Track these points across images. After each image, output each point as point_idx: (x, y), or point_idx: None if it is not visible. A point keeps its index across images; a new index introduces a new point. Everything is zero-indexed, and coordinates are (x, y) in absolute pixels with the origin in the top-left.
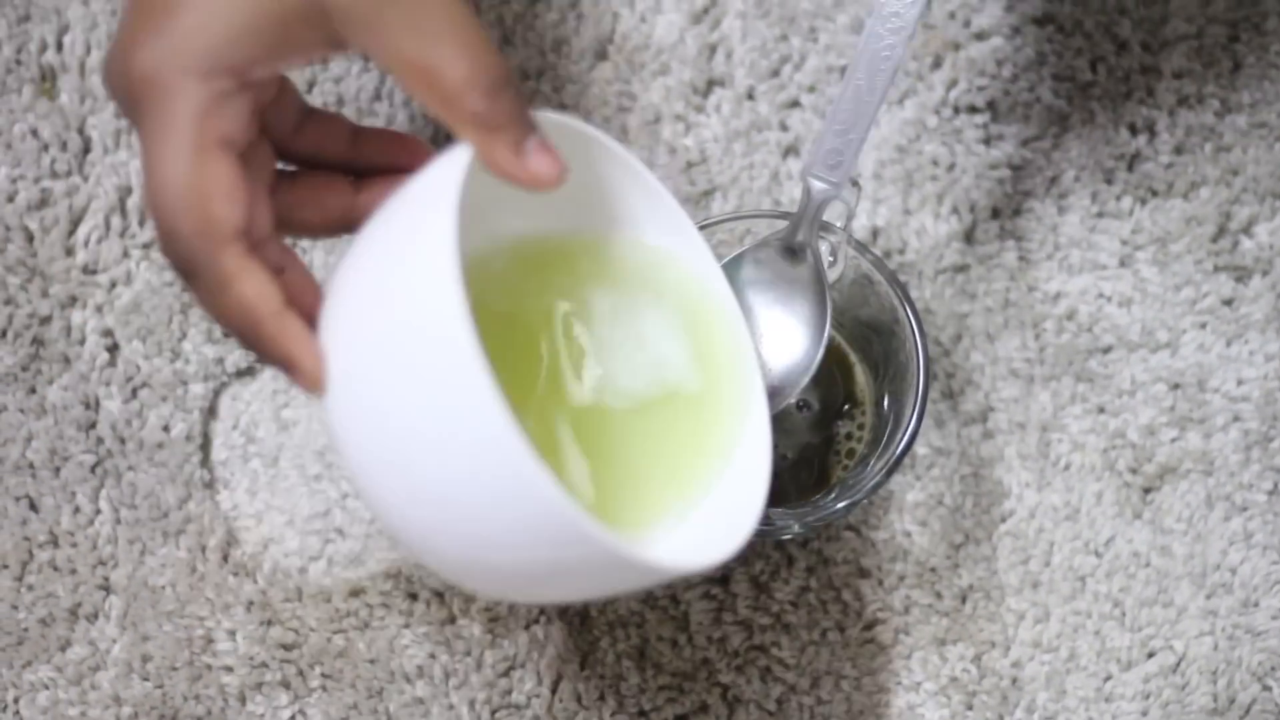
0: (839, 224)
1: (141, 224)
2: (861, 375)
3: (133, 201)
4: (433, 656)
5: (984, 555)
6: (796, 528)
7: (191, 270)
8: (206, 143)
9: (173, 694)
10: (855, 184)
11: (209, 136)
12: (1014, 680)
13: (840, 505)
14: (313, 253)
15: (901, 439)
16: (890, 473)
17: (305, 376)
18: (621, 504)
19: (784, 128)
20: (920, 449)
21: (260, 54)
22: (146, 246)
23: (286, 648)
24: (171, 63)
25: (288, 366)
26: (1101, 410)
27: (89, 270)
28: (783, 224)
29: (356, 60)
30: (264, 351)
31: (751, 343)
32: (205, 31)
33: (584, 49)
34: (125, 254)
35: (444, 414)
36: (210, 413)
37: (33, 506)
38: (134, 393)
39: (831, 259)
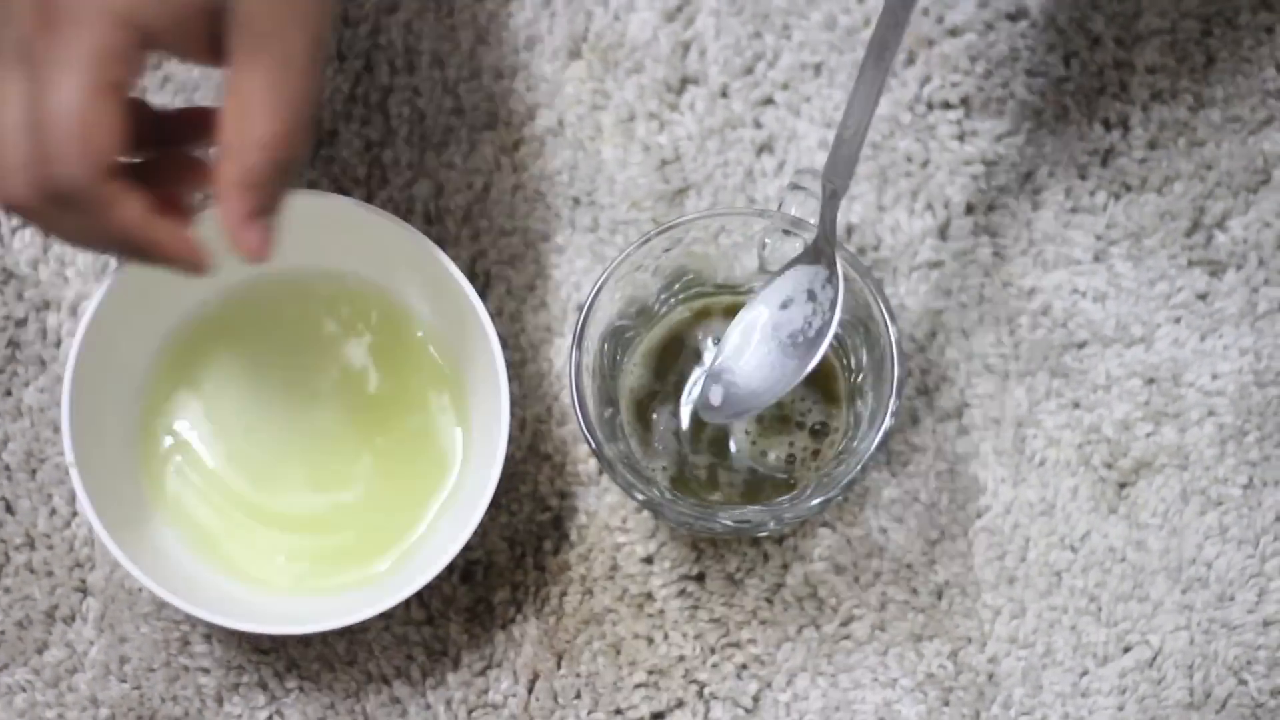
0: (813, 220)
1: None
2: (837, 372)
3: None
4: (410, 657)
5: (960, 551)
6: (772, 524)
7: (69, 198)
8: (107, 82)
9: (150, 695)
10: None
11: (110, 77)
12: (990, 676)
13: (815, 502)
14: None
15: (875, 435)
16: (864, 469)
17: (190, 263)
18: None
19: (758, 125)
20: (896, 445)
21: (170, 25)
22: None
23: (263, 651)
24: (95, 1)
25: (174, 260)
26: (1076, 405)
27: (63, 273)
28: (757, 220)
29: (330, 61)
30: (151, 254)
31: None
32: None
33: (557, 47)
34: (99, 255)
35: None
36: None
37: (9, 509)
38: None
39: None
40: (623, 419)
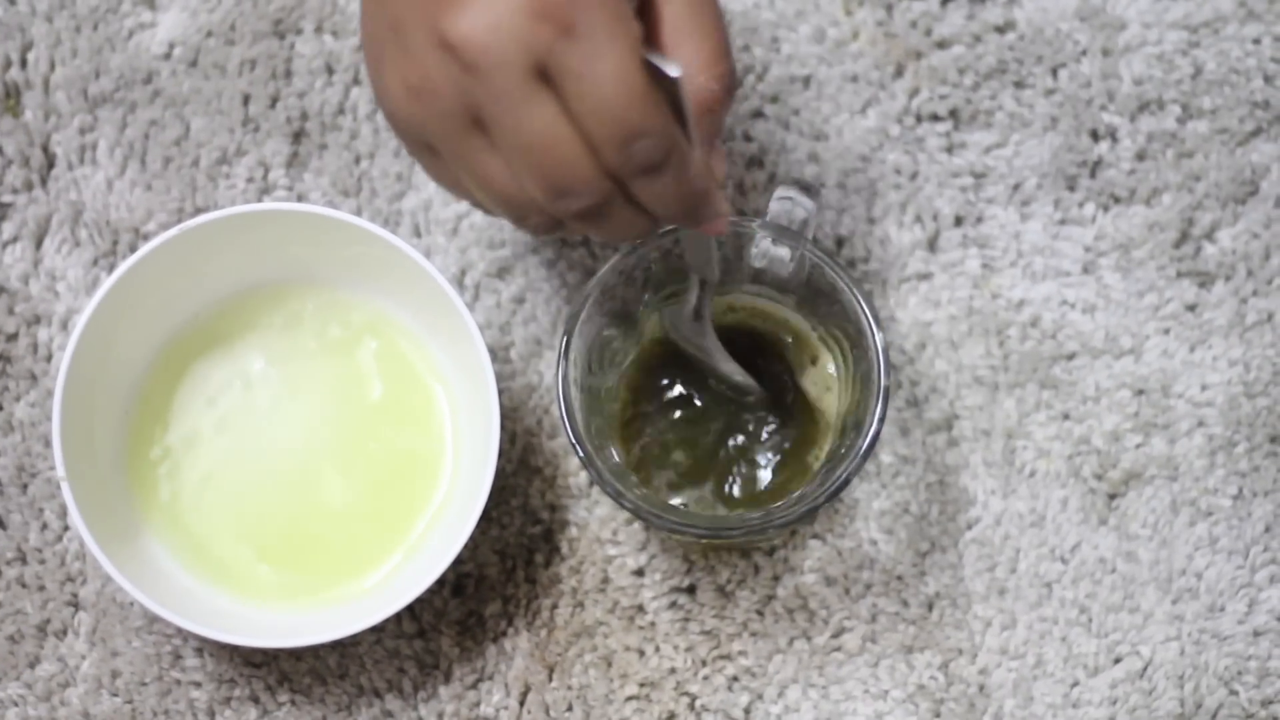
0: (799, 230)
1: (106, 239)
2: (829, 382)
3: (92, 217)
4: (401, 670)
5: (950, 563)
6: (760, 533)
7: (661, 162)
8: (636, 45)
9: (142, 709)
10: (815, 191)
11: (634, 38)
12: (981, 687)
13: (803, 510)
14: None
15: (862, 445)
16: (850, 478)
17: (725, 216)
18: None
19: (748, 138)
20: (885, 457)
21: None
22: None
23: (255, 664)
24: None
25: (718, 212)
26: (1066, 417)
27: (54, 288)
28: (743, 230)
29: (320, 74)
30: (707, 207)
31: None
32: None
33: None
34: (90, 269)
35: None
36: None
37: (1, 524)
38: None
39: (792, 264)
40: (613, 429)
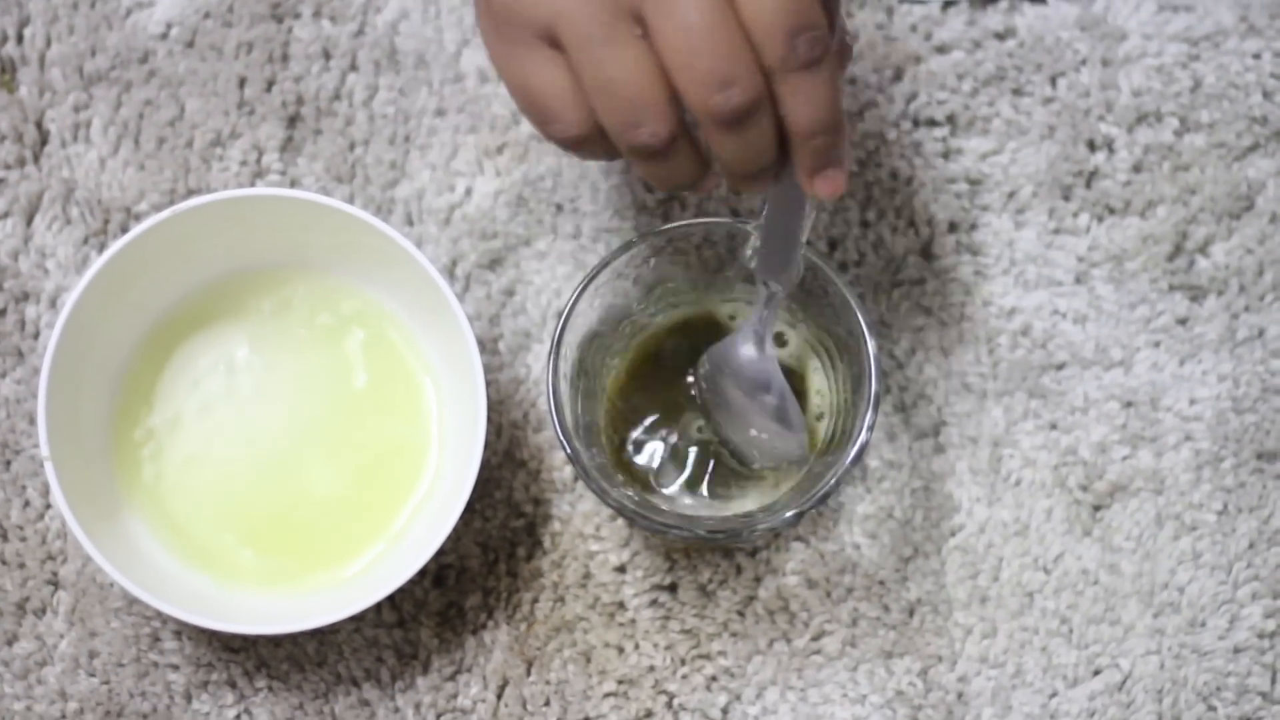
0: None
1: (97, 218)
2: (818, 385)
3: (84, 195)
4: (380, 660)
5: (933, 569)
6: (745, 535)
7: (753, 107)
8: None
9: (119, 690)
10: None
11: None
12: (960, 695)
13: (789, 514)
14: None
15: (851, 450)
16: (839, 483)
17: (842, 176)
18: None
19: None
20: (872, 461)
21: None
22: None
23: (233, 649)
24: None
25: (840, 164)
26: (1053, 427)
27: (43, 265)
28: (739, 230)
29: (317, 59)
30: (774, 169)
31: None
32: None
33: None
34: (80, 247)
35: None
36: None
37: None
38: None
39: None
40: (600, 426)
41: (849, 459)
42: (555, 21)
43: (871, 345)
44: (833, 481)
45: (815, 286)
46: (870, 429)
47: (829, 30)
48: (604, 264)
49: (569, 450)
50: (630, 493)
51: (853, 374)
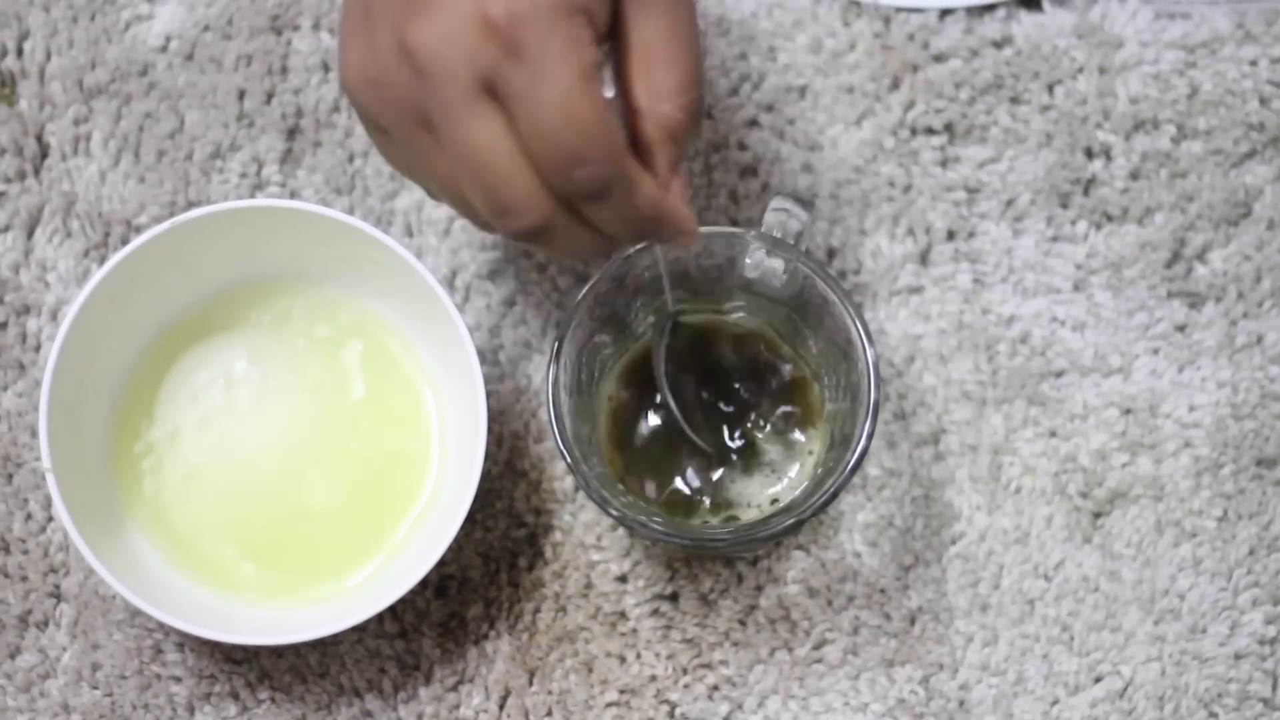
0: (793, 241)
1: (97, 230)
2: (817, 394)
3: (85, 208)
4: (382, 671)
5: (933, 577)
6: (745, 544)
7: (602, 189)
8: (588, 71)
9: (122, 703)
10: (810, 203)
11: (587, 65)
12: (961, 703)
13: (788, 522)
14: None
15: (851, 458)
16: (838, 492)
17: (691, 233)
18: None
19: (742, 147)
20: (871, 470)
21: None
22: (101, 251)
23: (236, 661)
24: (542, 3)
25: (681, 228)
26: (1053, 434)
27: (44, 278)
28: (737, 239)
29: (316, 71)
30: (663, 229)
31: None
32: None
33: None
34: (81, 260)
35: None
36: None
37: None
38: None
39: (785, 275)
40: (600, 436)
41: (849, 466)
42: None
43: (870, 353)
44: (833, 489)
45: (814, 296)
46: (870, 436)
47: (617, 154)
48: (603, 273)
49: (570, 461)
50: (630, 502)
51: (851, 381)
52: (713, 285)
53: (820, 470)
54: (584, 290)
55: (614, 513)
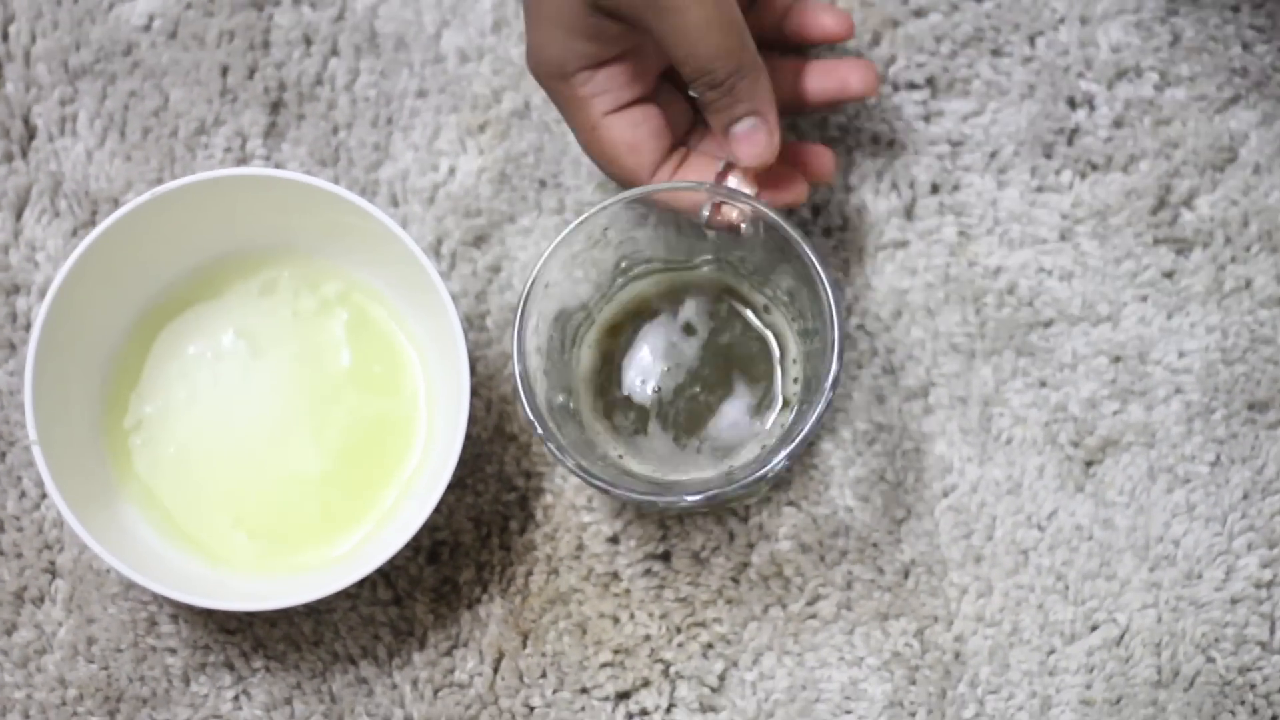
0: (748, 190)
1: (85, 209)
2: (791, 340)
3: (72, 187)
4: (376, 637)
5: (926, 530)
6: (730, 492)
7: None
8: (595, 119)
9: (118, 675)
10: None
11: (597, 113)
12: (957, 654)
13: (761, 472)
14: None
15: (821, 402)
16: (809, 437)
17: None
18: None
19: None
20: (861, 424)
21: (591, 53)
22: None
23: (230, 631)
24: (541, 70)
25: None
26: (1043, 384)
27: (33, 258)
28: (694, 194)
29: (298, 45)
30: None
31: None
32: (547, 49)
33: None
34: (70, 239)
35: None
36: None
37: None
38: None
39: (749, 227)
40: (580, 402)
41: (819, 410)
42: None
43: (829, 291)
44: (803, 434)
45: (778, 241)
46: (836, 375)
47: (634, 181)
48: (563, 237)
49: (541, 430)
50: (613, 452)
51: (819, 324)
52: (684, 242)
53: (795, 416)
54: (543, 254)
55: (597, 481)
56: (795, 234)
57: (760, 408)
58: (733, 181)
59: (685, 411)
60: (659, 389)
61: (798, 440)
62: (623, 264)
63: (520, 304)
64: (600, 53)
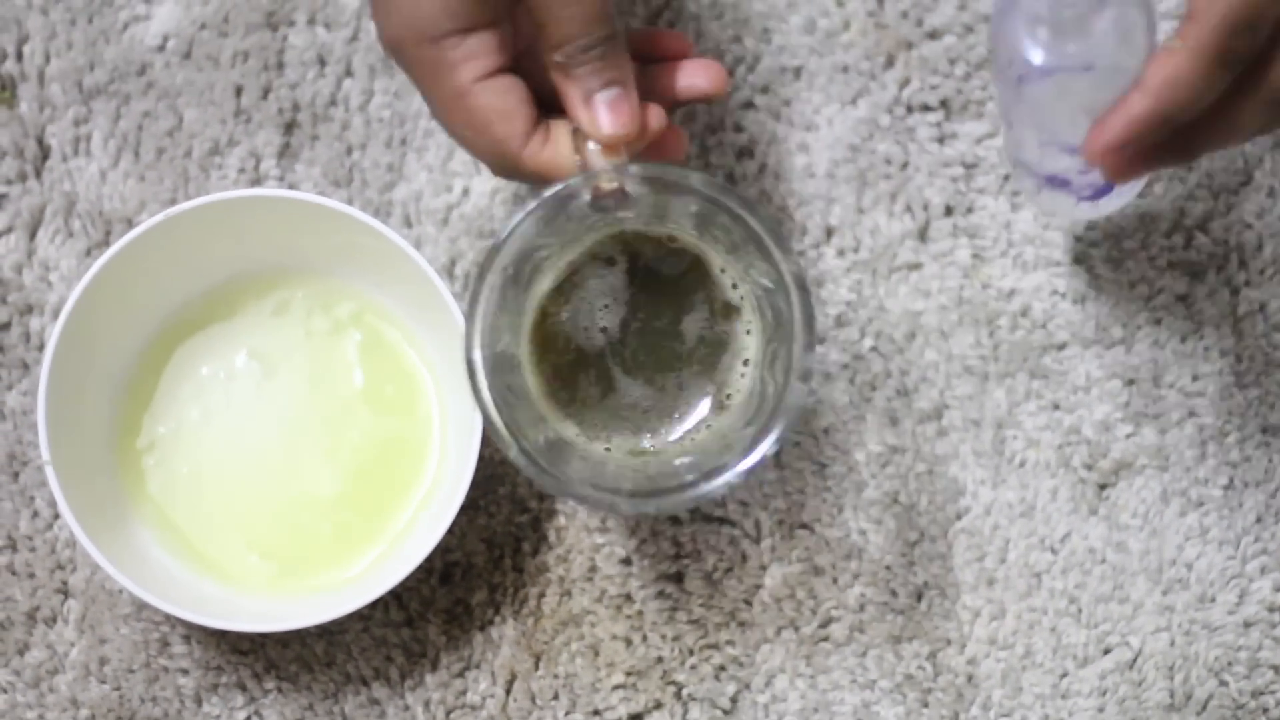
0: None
1: (99, 229)
2: (717, 256)
3: (86, 208)
4: (388, 658)
5: (939, 553)
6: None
7: (511, 176)
8: (465, 85)
9: (130, 696)
10: None
11: (467, 79)
12: (969, 677)
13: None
14: None
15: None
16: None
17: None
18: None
19: (738, 129)
20: (875, 447)
21: (466, 13)
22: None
23: (242, 651)
24: (408, 35)
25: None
26: (1056, 407)
27: (47, 278)
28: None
29: (312, 66)
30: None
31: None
32: (422, 6)
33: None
34: (83, 259)
35: None
36: None
37: None
38: None
39: (635, 186)
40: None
41: (795, 365)
42: None
43: (786, 263)
44: (779, 401)
45: (749, 234)
46: (808, 323)
47: (500, 155)
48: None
49: (519, 455)
50: (588, 444)
51: (742, 236)
52: (571, 226)
53: (757, 398)
54: (484, 287)
55: (574, 492)
56: (683, 172)
57: (715, 316)
58: (592, 146)
59: (645, 347)
60: (605, 328)
61: (770, 408)
62: (526, 270)
63: (464, 342)
64: (475, 15)
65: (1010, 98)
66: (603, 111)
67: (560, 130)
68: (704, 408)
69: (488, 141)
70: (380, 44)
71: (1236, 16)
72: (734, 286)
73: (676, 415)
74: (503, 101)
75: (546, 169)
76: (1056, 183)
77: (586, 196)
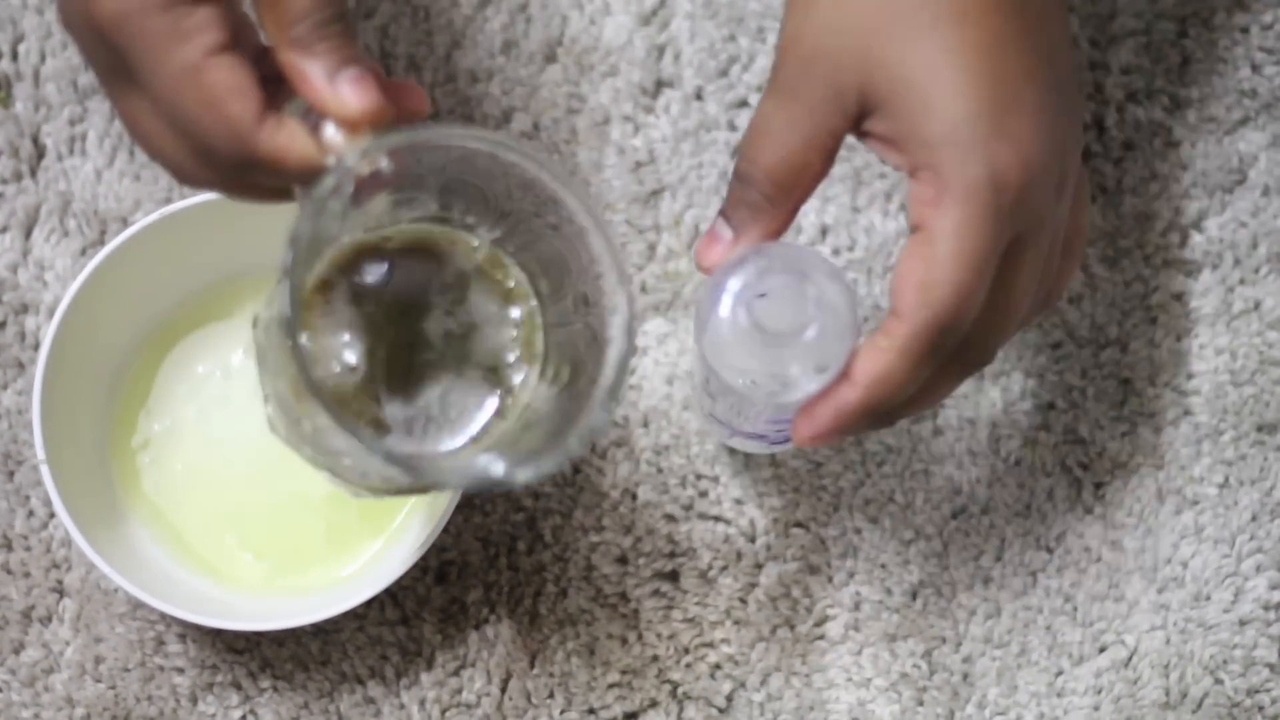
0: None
1: (94, 228)
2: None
3: (81, 207)
4: (384, 657)
5: (934, 551)
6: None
7: (242, 168)
8: (196, 61)
9: (125, 695)
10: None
11: (195, 54)
12: (965, 676)
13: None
14: None
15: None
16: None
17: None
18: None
19: (732, 127)
20: (870, 445)
21: None
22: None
23: (237, 650)
24: (133, 5)
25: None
26: (1052, 406)
27: (42, 277)
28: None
29: None
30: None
31: None
32: None
33: (533, 51)
34: (78, 259)
35: None
36: None
37: None
38: None
39: (388, 164)
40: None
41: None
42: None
43: (600, 235)
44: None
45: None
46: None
47: (233, 140)
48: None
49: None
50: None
51: (588, 278)
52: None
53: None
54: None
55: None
56: (445, 130)
57: (508, 300)
58: (330, 131)
59: (400, 370)
60: (354, 366)
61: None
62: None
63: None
64: None
65: (705, 370)
66: (347, 88)
67: (290, 112)
68: (489, 408)
69: (220, 120)
70: (81, 21)
71: (943, 321)
72: (475, 249)
73: (460, 421)
74: (235, 78)
75: (283, 151)
76: (750, 435)
77: (350, 189)
